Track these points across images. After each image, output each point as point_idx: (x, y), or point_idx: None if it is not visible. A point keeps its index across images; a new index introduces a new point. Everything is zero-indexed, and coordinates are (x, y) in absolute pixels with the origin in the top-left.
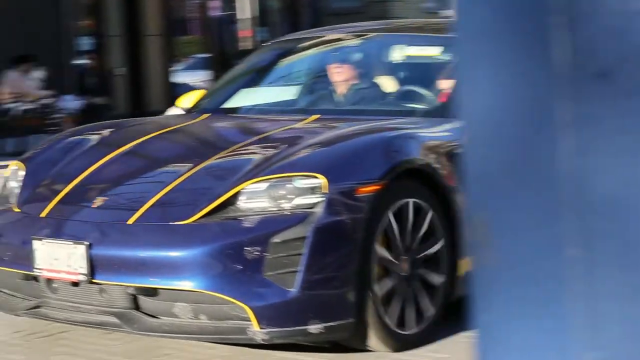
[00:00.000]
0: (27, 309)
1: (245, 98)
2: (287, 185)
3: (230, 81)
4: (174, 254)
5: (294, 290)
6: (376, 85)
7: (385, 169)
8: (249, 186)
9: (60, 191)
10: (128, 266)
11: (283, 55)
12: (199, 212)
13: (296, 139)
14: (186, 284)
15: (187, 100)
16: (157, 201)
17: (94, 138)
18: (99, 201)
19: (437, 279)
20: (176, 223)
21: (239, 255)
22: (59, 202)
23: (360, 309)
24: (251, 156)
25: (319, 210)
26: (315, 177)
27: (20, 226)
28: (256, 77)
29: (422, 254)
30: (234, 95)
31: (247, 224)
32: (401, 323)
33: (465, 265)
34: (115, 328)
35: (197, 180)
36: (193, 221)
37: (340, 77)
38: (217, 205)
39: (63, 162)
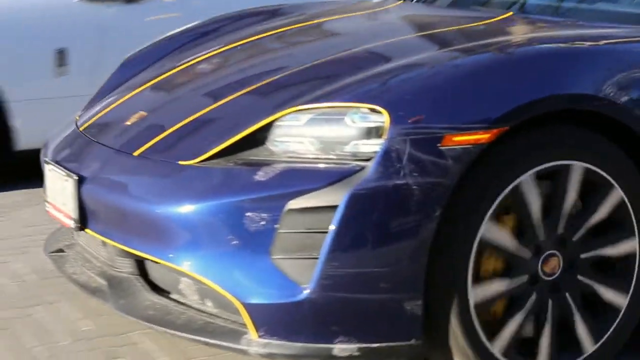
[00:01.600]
0: (52, 252)
1: None
2: (337, 120)
3: None
4: (150, 208)
5: (309, 286)
6: None
7: (509, 108)
8: (286, 117)
9: (116, 101)
10: (112, 217)
11: None
12: (212, 149)
13: (418, 47)
14: (165, 257)
15: None
16: (184, 126)
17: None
18: (134, 118)
19: (612, 297)
20: (177, 162)
21: (236, 224)
22: (105, 114)
23: (435, 325)
24: (336, 71)
25: (368, 165)
26: (379, 112)
27: (57, 141)
28: None
29: (592, 253)
30: None
31: (257, 176)
32: (529, 353)
33: None
34: (101, 299)
35: (247, 99)
36: (198, 162)
37: None
38: (239, 141)
39: (151, 65)
